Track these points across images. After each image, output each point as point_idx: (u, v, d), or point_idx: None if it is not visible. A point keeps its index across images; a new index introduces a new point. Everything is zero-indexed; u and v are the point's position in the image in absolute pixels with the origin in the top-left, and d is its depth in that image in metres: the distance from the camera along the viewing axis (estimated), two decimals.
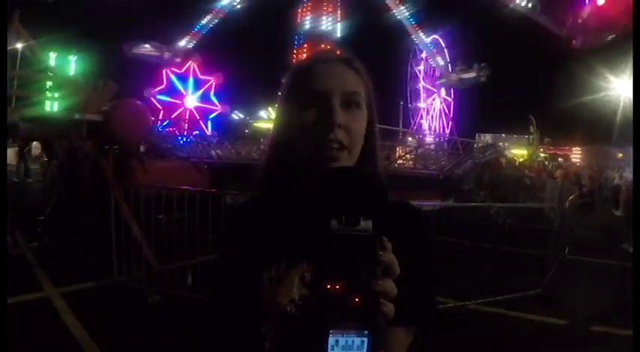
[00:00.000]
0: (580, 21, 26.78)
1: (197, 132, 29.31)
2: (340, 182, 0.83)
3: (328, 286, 0.71)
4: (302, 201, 0.95)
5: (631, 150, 19.39)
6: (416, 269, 0.81)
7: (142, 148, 10.69)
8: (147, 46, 37.18)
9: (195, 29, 40.22)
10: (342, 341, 0.71)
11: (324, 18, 40.91)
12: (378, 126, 1.23)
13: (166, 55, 37.88)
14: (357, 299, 0.71)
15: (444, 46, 49.59)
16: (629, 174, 20.85)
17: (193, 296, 6.18)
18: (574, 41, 27.59)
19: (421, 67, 53.32)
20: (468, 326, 6.07)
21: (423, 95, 53.33)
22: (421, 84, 53.19)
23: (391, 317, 0.74)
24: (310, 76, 1.14)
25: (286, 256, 1.09)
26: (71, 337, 5.31)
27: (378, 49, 45.62)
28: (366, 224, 0.76)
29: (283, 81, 1.24)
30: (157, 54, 37.65)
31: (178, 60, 38.33)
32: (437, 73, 51.94)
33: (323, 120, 1.09)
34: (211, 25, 40.66)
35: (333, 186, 0.83)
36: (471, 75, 44.83)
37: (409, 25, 45.54)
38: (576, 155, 57.36)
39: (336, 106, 1.09)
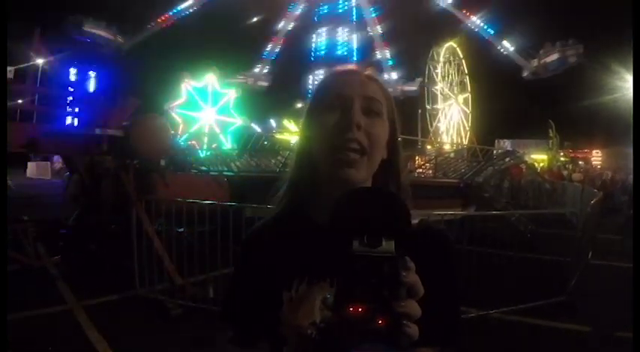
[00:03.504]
0: None
1: (216, 144, 29.47)
2: (362, 202, 0.83)
3: (351, 309, 0.70)
4: (323, 219, 0.95)
5: None
6: (440, 291, 0.80)
7: (162, 162, 10.75)
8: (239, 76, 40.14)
9: (264, 55, 43.02)
10: None
11: (339, 41, 41.19)
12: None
13: (250, 80, 40.99)
14: (380, 321, 0.70)
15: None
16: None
17: (215, 308, 6.19)
18: None
19: (438, 70, 52.51)
20: (492, 335, 6.01)
21: (440, 98, 52.56)
22: (439, 86, 52.40)
23: (415, 339, 0.73)
24: (334, 84, 1.20)
25: (307, 275, 1.08)
26: (94, 350, 5.34)
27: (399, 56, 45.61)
28: (388, 245, 0.75)
29: (311, 92, 1.28)
30: (244, 80, 40.50)
31: (265, 84, 43.04)
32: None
33: (343, 121, 1.12)
34: (277, 50, 43.28)
35: (355, 207, 0.82)
36: (554, 57, 37.46)
37: (458, 12, 43.10)
38: (597, 157, 56.74)
39: (356, 109, 1.12)
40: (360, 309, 0.70)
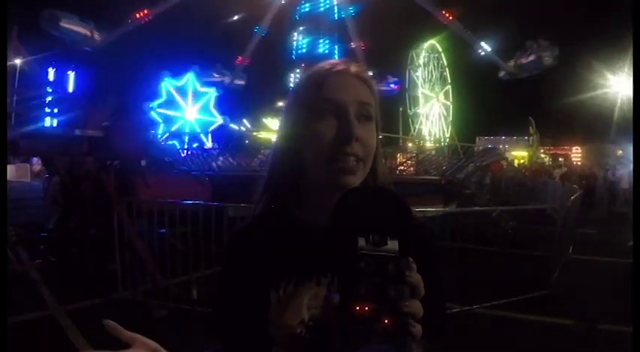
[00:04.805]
0: None
1: (197, 144, 29.31)
2: (368, 201, 0.82)
3: (357, 308, 0.70)
4: (314, 219, 0.93)
5: (629, 147, 19.33)
6: (430, 288, 0.80)
7: (143, 162, 10.68)
8: (215, 74, 39.25)
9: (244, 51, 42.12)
10: None
11: (320, 40, 40.91)
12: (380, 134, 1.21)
13: (226, 79, 39.86)
14: (386, 321, 0.69)
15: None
16: (619, 170, 20.93)
17: (199, 309, 6.18)
18: None
19: (419, 73, 52.57)
20: (476, 331, 6.04)
21: (421, 101, 52.60)
22: (420, 90, 52.42)
23: (419, 338, 0.72)
24: (324, 86, 1.12)
25: (294, 275, 1.07)
26: None
27: (377, 55, 45.49)
28: (392, 244, 0.75)
29: (291, 90, 1.23)
30: (221, 79, 39.57)
31: (242, 82, 41.54)
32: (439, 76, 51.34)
33: (341, 133, 1.06)
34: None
35: (361, 206, 0.81)
36: (531, 58, 38.13)
37: (443, 17, 43.27)
38: (576, 154, 57.40)
39: (352, 118, 1.07)
40: (366, 308, 0.69)
